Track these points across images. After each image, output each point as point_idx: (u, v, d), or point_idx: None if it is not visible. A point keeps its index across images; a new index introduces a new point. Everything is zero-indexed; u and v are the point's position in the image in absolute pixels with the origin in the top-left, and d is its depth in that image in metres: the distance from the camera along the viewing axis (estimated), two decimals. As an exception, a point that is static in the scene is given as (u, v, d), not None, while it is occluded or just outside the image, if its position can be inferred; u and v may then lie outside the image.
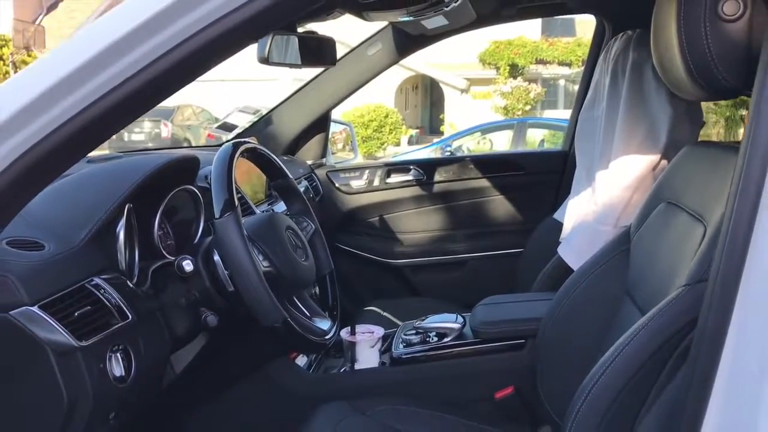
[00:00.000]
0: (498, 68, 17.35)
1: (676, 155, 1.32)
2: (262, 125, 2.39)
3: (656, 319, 0.97)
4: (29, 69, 0.90)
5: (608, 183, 1.71)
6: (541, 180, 2.43)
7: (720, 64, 0.96)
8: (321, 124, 2.42)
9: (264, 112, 2.46)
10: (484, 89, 17.47)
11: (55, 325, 0.97)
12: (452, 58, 16.05)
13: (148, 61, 0.83)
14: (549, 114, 16.53)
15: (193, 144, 12.56)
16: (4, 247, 1.01)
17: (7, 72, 17.49)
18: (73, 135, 0.84)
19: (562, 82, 18.25)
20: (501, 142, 12.47)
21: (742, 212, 0.80)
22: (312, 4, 0.89)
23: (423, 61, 15.61)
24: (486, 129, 12.91)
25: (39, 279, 0.99)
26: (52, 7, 20.72)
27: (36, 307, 0.96)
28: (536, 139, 11.91)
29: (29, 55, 17.87)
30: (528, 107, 17.07)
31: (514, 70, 17.27)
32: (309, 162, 2.42)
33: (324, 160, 2.49)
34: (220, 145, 1.61)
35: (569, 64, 16.80)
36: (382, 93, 15.06)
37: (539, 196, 2.39)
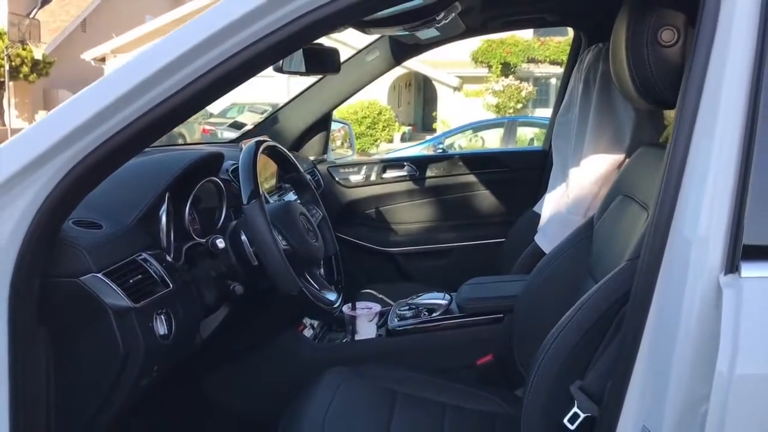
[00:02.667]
0: (490, 67, 17.46)
1: (633, 155, 1.54)
2: (268, 124, 2.57)
3: (601, 290, 1.16)
4: (95, 86, 1.09)
5: (579, 178, 1.93)
6: (522, 176, 2.62)
7: (659, 80, 1.17)
8: (323, 124, 2.59)
9: (270, 111, 2.65)
10: (477, 87, 17.62)
11: (116, 289, 1.18)
12: (445, 56, 16.19)
13: (188, 81, 1.02)
14: (540, 113, 16.67)
15: (188, 139, 12.75)
16: (71, 226, 1.22)
17: (1, 65, 17.56)
18: (126, 139, 1.04)
19: (553, 81, 18.38)
20: (492, 140, 12.62)
21: (665, 200, 0.97)
22: (334, 29, 1.10)
23: (416, 58, 15.74)
24: (477, 127, 13.04)
25: (101, 252, 1.21)
26: (46, 1, 20.73)
27: (101, 274, 1.17)
28: (527, 137, 12.09)
29: (24, 49, 17.91)
30: (519, 106, 17.17)
31: (506, 69, 17.39)
32: (311, 158, 2.60)
33: (325, 156, 2.67)
34: (225, 142, 1.82)
35: (560, 64, 16.89)
36: (375, 89, 15.19)
37: (520, 190, 2.58)
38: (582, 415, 1.09)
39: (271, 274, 1.42)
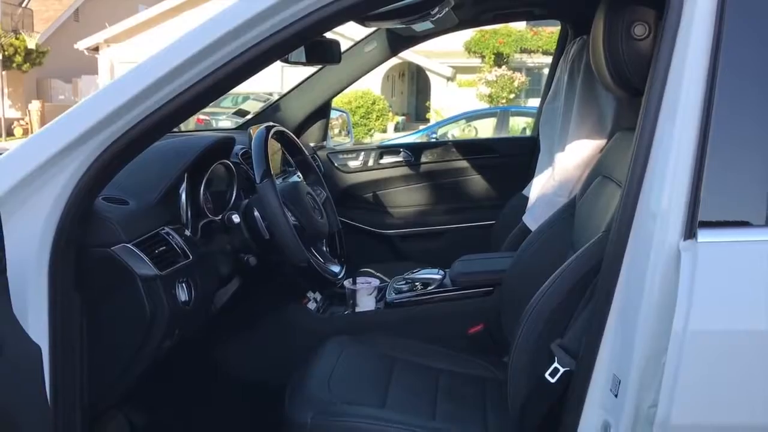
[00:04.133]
0: (483, 57, 17.48)
1: (612, 139, 1.68)
2: (270, 112, 2.67)
3: (579, 258, 1.29)
4: (125, 76, 1.21)
5: (564, 162, 2.05)
6: (512, 162, 2.74)
7: (632, 71, 1.29)
8: (322, 112, 2.69)
9: (273, 99, 2.76)
10: (470, 77, 17.66)
11: (144, 258, 1.31)
12: (438, 46, 16.22)
13: (208, 72, 1.14)
14: (533, 103, 16.69)
15: (182, 129, 12.83)
16: (101, 201, 1.35)
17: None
18: (153, 124, 1.17)
19: (546, 71, 18.40)
20: (485, 130, 12.69)
21: (633, 178, 1.09)
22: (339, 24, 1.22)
23: (410, 48, 15.78)
24: (470, 117, 13.13)
25: (130, 225, 1.34)
26: (39, -10, 20.67)
27: (131, 244, 1.30)
28: (519, 126, 12.19)
29: (17, 38, 17.88)
30: (512, 96, 17.17)
31: (499, 59, 17.40)
32: (312, 144, 2.69)
33: (325, 143, 2.77)
34: (232, 129, 1.93)
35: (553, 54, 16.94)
36: (368, 79, 15.22)
37: (510, 175, 2.68)
38: (561, 370, 1.21)
39: (282, 246, 1.55)
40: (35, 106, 18.45)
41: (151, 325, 1.34)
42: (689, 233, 1.04)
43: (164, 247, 1.39)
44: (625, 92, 1.37)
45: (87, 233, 1.25)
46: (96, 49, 18.67)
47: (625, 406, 1.07)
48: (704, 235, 1.03)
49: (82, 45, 18.50)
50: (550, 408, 1.25)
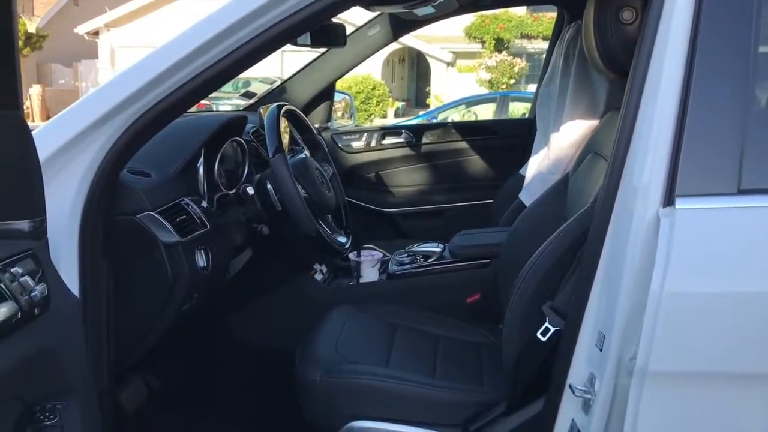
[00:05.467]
0: (483, 42, 17.44)
1: (603, 118, 1.77)
2: (276, 93, 2.75)
3: (569, 226, 1.38)
4: (144, 59, 1.31)
5: (559, 141, 2.14)
6: (510, 143, 2.83)
7: (621, 53, 1.38)
8: (327, 94, 2.78)
9: (279, 82, 2.85)
10: (470, 63, 17.66)
11: (167, 225, 1.41)
12: (439, 31, 16.21)
13: (222, 56, 1.24)
14: (533, 88, 16.57)
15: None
16: (126, 173, 1.45)
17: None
18: (171, 104, 1.26)
19: (546, 56, 18.33)
20: (485, 115, 12.67)
21: (618, 152, 1.17)
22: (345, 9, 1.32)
23: (410, 33, 15.72)
24: (470, 102, 13.13)
25: (153, 194, 1.44)
26: (38, -26, 20.62)
27: (155, 212, 1.41)
28: (519, 112, 12.21)
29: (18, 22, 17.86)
30: (512, 81, 17.13)
31: (500, 45, 17.34)
32: (316, 125, 2.78)
33: (329, 124, 2.86)
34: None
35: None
36: (369, 64, 15.29)
37: (508, 156, 2.76)
38: (552, 329, 1.31)
39: (293, 217, 1.66)
40: (36, 90, 18.45)
41: (173, 288, 1.44)
42: (668, 201, 1.13)
43: (184, 216, 1.49)
44: (615, 74, 1.46)
45: (114, 202, 1.35)
46: (96, 33, 18.66)
47: (609, 359, 1.16)
48: (681, 203, 1.12)
49: (82, 29, 18.49)
50: (540, 365, 1.35)
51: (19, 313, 0.88)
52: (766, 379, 1.13)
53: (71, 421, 0.95)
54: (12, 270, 0.91)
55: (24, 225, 1.04)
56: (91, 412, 1.15)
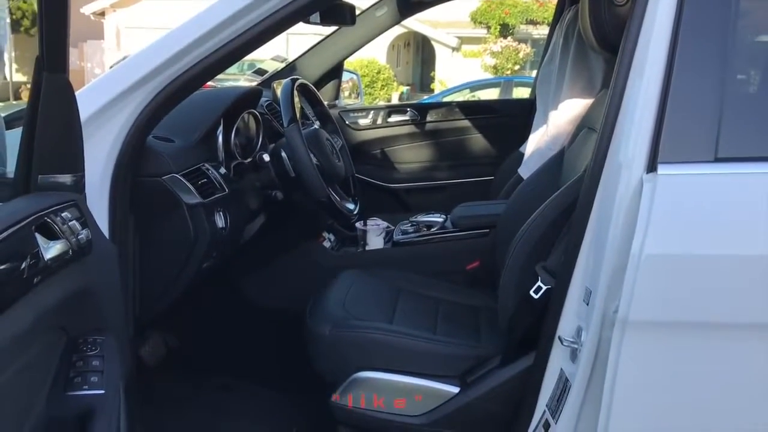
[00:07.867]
0: (489, 27, 17.43)
1: (597, 96, 1.87)
2: (287, 71, 2.83)
3: (562, 193, 1.48)
4: (167, 35, 1.41)
5: (557, 118, 2.23)
6: (511, 122, 2.91)
7: (614, 34, 1.47)
8: (335, 72, 2.87)
9: (290, 60, 2.95)
10: (475, 48, 17.65)
11: (190, 187, 1.53)
12: (444, 16, 16.21)
13: (240, 32, 1.35)
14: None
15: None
16: (152, 139, 1.56)
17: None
18: (192, 77, 1.37)
19: (551, 42, 18.24)
20: (488, 100, 12.79)
21: (607, 124, 1.27)
22: None
23: (415, 18, 15.74)
24: (474, 86, 13.19)
25: (178, 158, 1.55)
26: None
27: (179, 174, 1.52)
28: (523, 97, 12.25)
29: (25, 2, 17.86)
30: (517, 67, 17.10)
31: (505, 30, 17.33)
32: (325, 103, 2.92)
33: (337, 101, 2.96)
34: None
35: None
36: (373, 48, 15.26)
37: (509, 134, 2.84)
38: (544, 288, 1.41)
39: (306, 183, 1.77)
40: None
41: (194, 246, 1.56)
42: (651, 168, 1.24)
43: (205, 180, 1.61)
44: (608, 53, 1.56)
45: (141, 164, 1.46)
46: (102, 13, 18.68)
47: (594, 312, 1.27)
48: (663, 169, 1.23)
49: (88, 9, 18.49)
50: (533, 321, 1.45)
51: (70, 251, 0.99)
52: (733, 328, 1.25)
53: (111, 353, 1.06)
54: (62, 215, 1.03)
55: (67, 179, 1.15)
56: (125, 351, 1.27)
